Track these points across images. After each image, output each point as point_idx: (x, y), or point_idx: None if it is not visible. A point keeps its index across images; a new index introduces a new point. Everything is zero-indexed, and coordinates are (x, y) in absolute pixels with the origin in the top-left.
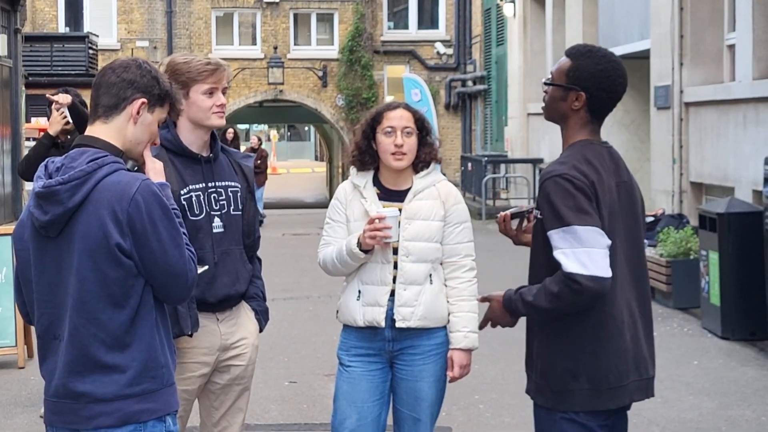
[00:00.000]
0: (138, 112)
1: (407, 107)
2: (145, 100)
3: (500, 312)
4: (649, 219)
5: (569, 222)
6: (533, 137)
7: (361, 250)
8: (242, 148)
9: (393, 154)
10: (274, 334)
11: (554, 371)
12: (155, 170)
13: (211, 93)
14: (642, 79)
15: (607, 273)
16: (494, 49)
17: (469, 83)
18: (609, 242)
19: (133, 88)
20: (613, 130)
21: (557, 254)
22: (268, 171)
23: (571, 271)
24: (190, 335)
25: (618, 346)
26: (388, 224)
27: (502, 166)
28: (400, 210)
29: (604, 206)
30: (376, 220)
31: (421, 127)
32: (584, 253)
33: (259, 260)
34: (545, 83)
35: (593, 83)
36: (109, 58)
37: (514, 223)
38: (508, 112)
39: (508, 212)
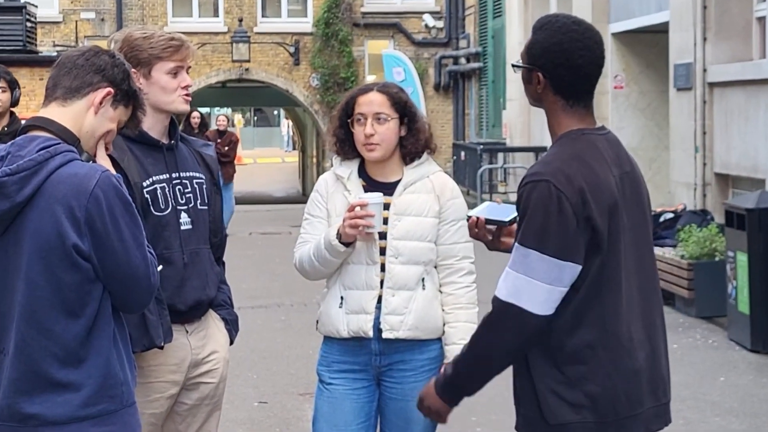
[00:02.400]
0: (101, 102)
1: (382, 89)
2: (111, 90)
3: (429, 393)
4: (668, 215)
5: (526, 243)
6: (535, 122)
7: (341, 242)
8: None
9: (364, 144)
10: (241, 347)
11: (548, 402)
12: (105, 164)
13: (176, 73)
14: (660, 56)
15: (540, 311)
16: (491, 22)
17: (462, 61)
18: (567, 277)
19: (101, 75)
20: (626, 115)
21: (503, 273)
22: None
23: (499, 295)
24: (162, 347)
25: (627, 368)
26: (371, 211)
27: (500, 156)
28: (387, 206)
29: (601, 211)
30: (357, 207)
31: (404, 111)
32: (525, 282)
33: (223, 263)
34: (513, 65)
35: (547, 60)
36: (50, 32)
37: (492, 227)
38: (507, 93)
39: (482, 217)
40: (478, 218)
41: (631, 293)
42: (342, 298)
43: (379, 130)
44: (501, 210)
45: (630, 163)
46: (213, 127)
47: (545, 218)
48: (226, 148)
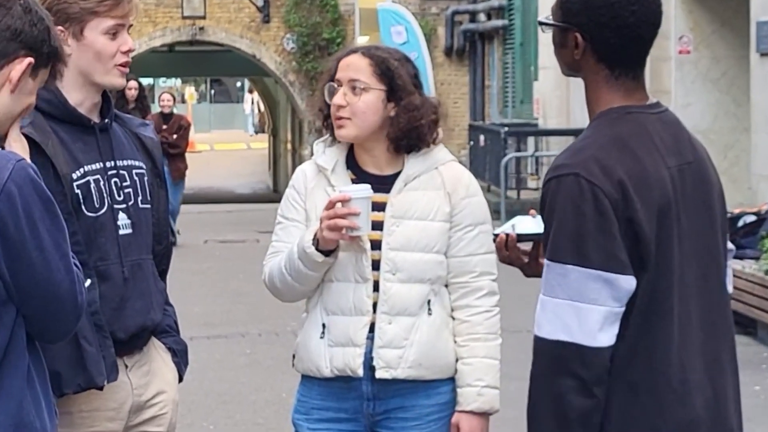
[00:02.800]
0: (20, 79)
1: (367, 52)
2: (32, 60)
3: None
4: (749, 218)
5: (561, 257)
6: (576, 97)
7: (318, 250)
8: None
9: (334, 119)
10: (194, 388)
11: None
12: (20, 149)
13: (114, 33)
14: (738, 12)
15: (599, 341)
16: None
17: (481, 17)
18: (623, 293)
19: (18, 41)
20: (694, 87)
21: (539, 303)
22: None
23: (541, 334)
24: (102, 387)
25: (679, 418)
26: (355, 208)
27: (531, 141)
28: (383, 206)
29: (648, 212)
30: (338, 204)
31: (391, 81)
32: (570, 308)
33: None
34: (540, 23)
35: (588, 17)
36: None
37: (525, 247)
38: (539, 60)
39: (513, 232)
40: (507, 235)
41: (687, 320)
42: (324, 325)
43: (352, 102)
44: (537, 223)
45: (694, 151)
46: (155, 108)
47: (579, 221)
48: (175, 136)
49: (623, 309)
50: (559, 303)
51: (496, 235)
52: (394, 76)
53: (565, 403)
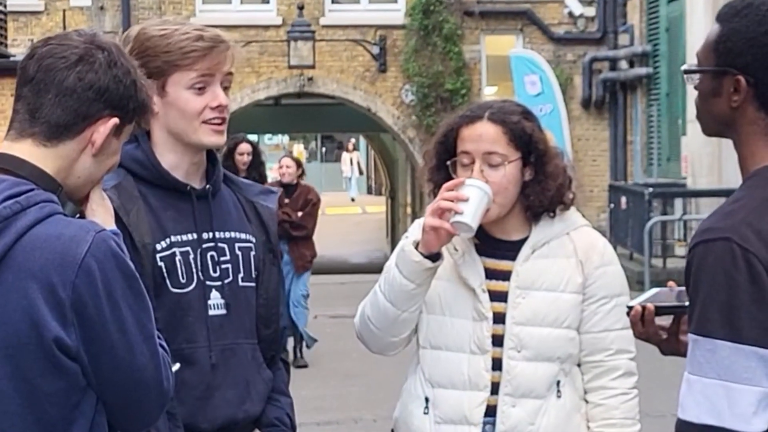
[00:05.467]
0: (104, 142)
1: (497, 117)
2: (117, 120)
3: None
4: None
5: (710, 331)
6: (729, 154)
7: (417, 249)
8: (269, 177)
9: None
10: None
11: None
12: (103, 213)
13: (202, 87)
14: None
15: (752, 427)
16: (664, 9)
17: (623, 65)
18: None
19: (102, 101)
20: None
21: (683, 382)
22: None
23: (687, 418)
24: None
25: None
26: (464, 194)
27: (678, 203)
28: (507, 275)
29: None
30: (452, 190)
31: (528, 146)
32: (721, 389)
33: (286, 365)
34: (686, 71)
35: (754, 56)
36: (26, 26)
37: (663, 322)
38: (687, 113)
39: (650, 304)
40: (644, 307)
41: None
42: (427, 399)
43: (492, 178)
44: (677, 295)
45: None
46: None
47: (731, 291)
48: (300, 213)
49: None
50: (707, 383)
51: (630, 308)
52: (532, 141)
53: None
